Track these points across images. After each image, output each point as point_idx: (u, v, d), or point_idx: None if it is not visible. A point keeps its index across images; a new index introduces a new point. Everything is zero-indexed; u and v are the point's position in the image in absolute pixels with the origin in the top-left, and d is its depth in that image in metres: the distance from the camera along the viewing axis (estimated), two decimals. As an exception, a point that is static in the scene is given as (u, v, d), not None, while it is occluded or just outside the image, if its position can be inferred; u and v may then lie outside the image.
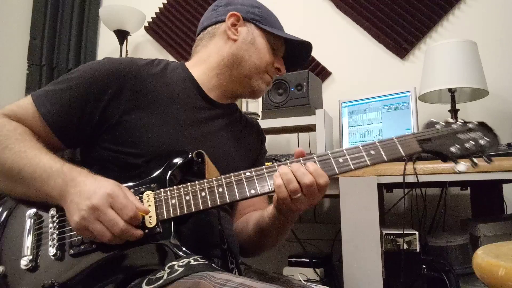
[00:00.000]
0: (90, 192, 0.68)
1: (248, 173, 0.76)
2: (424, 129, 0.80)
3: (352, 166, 0.75)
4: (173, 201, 0.75)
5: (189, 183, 0.76)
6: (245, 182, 0.75)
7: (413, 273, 1.19)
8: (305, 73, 1.68)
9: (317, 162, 0.76)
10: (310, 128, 1.78)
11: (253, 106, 1.94)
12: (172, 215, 0.74)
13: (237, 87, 0.96)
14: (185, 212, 0.74)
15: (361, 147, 0.77)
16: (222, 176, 0.77)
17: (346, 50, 2.08)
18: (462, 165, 0.76)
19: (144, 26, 2.51)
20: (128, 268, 0.72)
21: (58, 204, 0.73)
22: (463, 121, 0.80)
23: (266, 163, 0.87)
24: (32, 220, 0.75)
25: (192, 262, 0.68)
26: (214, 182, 0.76)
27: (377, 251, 1.19)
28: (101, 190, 0.68)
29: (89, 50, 2.64)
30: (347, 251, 1.23)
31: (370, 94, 1.70)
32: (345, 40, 2.09)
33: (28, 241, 0.73)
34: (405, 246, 1.18)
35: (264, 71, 0.95)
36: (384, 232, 1.21)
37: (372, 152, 0.76)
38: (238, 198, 0.75)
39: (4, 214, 0.78)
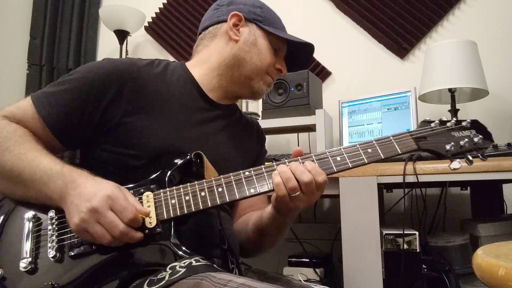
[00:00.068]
0: (90, 194, 0.68)
1: (247, 173, 0.77)
2: (419, 128, 0.81)
3: (349, 164, 0.76)
4: (173, 201, 0.75)
5: (188, 184, 0.76)
6: (244, 182, 0.76)
7: (413, 273, 1.18)
8: (305, 73, 1.68)
9: (315, 160, 0.76)
10: (310, 128, 1.78)
11: (253, 106, 1.93)
12: (172, 215, 0.74)
13: (238, 88, 0.96)
14: (185, 212, 0.74)
15: (358, 146, 0.78)
16: (221, 176, 0.77)
17: (346, 50, 2.08)
18: (457, 163, 0.77)
19: (144, 26, 2.51)
20: (128, 268, 0.72)
21: (58, 206, 0.72)
22: (456, 120, 0.82)
23: (266, 163, 0.87)
24: (31, 222, 0.75)
25: (194, 263, 0.68)
26: (213, 182, 0.76)
27: (377, 251, 1.19)
28: (101, 192, 0.68)
29: (89, 50, 2.64)
30: (347, 251, 1.23)
31: (370, 94, 1.70)
32: (345, 40, 2.09)
33: (27, 243, 0.73)
34: (405, 246, 1.18)
35: (265, 72, 0.95)
36: (384, 232, 1.21)
37: (369, 150, 0.77)
38: (237, 197, 0.75)
39: (2, 217, 0.77)
